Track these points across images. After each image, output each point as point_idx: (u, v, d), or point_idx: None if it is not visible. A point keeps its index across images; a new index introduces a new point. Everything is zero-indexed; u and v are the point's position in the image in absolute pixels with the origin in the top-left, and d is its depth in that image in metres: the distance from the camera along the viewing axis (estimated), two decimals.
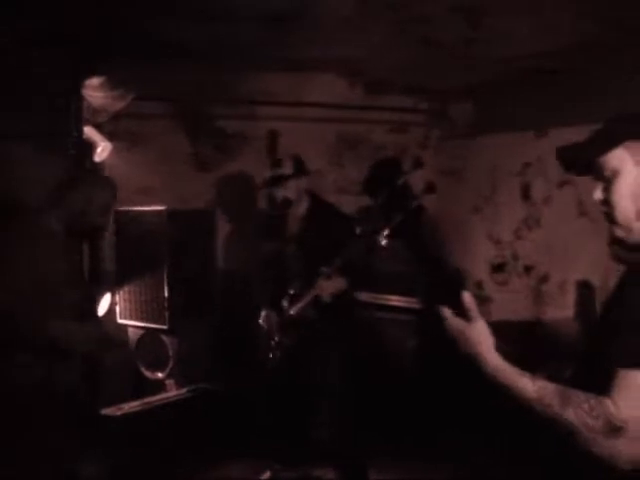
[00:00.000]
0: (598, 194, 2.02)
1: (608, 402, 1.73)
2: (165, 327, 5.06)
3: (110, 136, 5.10)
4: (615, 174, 1.94)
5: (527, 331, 5.85)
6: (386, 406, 5.42)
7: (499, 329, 5.97)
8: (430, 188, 4.91)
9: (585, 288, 5.79)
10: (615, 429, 1.71)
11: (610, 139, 1.96)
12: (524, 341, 5.46)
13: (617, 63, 5.22)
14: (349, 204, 6.50)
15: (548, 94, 5.91)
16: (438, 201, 7.27)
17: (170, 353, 5.13)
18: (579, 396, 1.78)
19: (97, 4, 4.08)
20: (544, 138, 6.26)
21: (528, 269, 6.41)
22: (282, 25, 4.66)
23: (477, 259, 6.89)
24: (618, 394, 1.74)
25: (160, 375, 5.20)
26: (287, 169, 4.87)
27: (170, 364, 5.13)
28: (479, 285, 6.82)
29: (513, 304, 6.38)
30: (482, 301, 6.64)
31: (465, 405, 4.97)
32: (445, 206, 7.25)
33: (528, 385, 1.84)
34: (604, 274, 5.75)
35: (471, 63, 5.59)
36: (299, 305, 4.66)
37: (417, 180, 5.18)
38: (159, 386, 5.15)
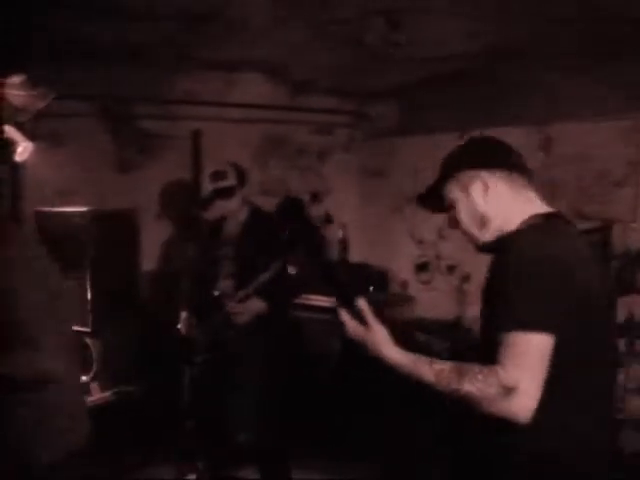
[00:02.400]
0: (451, 224, 2.42)
1: (497, 368, 1.95)
2: (88, 330, 4.98)
3: (31, 136, 4.99)
4: (452, 203, 2.37)
5: (451, 328, 5.97)
6: (310, 406, 5.45)
7: (424, 326, 6.08)
8: (328, 219, 5.08)
9: None
10: (508, 390, 1.91)
11: (440, 177, 2.42)
12: (448, 337, 5.57)
13: (535, 66, 5.35)
14: (272, 206, 6.53)
15: (470, 95, 6.02)
16: (361, 202, 7.35)
17: (94, 356, 5.06)
18: (473, 369, 1.99)
19: (13, 3, 4.02)
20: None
21: (451, 268, 6.52)
22: (202, 25, 4.65)
23: (401, 259, 6.97)
24: (504, 358, 1.96)
25: (84, 378, 5.12)
26: (230, 180, 4.82)
27: (94, 367, 5.06)
28: (404, 285, 6.90)
29: (437, 302, 6.48)
30: (407, 300, 6.73)
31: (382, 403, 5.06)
32: (368, 207, 7.32)
33: (427, 370, 2.07)
34: None
35: (394, 64, 5.66)
36: (214, 323, 4.68)
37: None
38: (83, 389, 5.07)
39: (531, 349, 1.95)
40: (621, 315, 3.88)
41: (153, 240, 6.02)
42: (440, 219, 6.51)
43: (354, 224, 7.16)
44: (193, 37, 4.97)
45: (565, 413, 2.03)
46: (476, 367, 1.99)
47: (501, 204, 2.27)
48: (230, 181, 4.82)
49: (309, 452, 5.26)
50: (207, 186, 4.95)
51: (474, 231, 2.33)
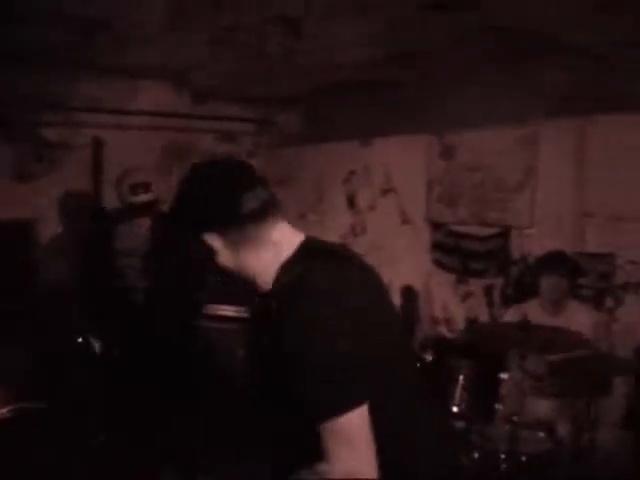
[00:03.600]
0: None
1: (326, 468, 1.79)
2: None
3: None
4: (214, 251, 2.06)
5: None
6: (218, 414, 5.41)
7: None
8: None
9: (408, 292, 6.02)
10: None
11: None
12: None
13: (437, 75, 5.45)
14: None
15: (372, 104, 6.10)
16: None
17: None
18: None
19: None
20: (369, 147, 6.46)
21: None
22: (101, 31, 4.59)
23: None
24: (331, 451, 1.78)
25: None
26: (154, 193, 4.68)
27: None
28: None
29: None
30: None
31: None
32: None
33: None
34: (425, 279, 6.01)
35: (297, 72, 5.68)
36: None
37: None
38: None
39: (352, 431, 1.78)
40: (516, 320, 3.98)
41: (54, 250, 5.87)
42: (344, 227, 6.61)
43: None
44: (92, 43, 4.89)
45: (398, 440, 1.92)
46: (308, 478, 1.83)
47: (250, 255, 2.04)
48: (153, 195, 4.68)
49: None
50: (127, 197, 4.78)
51: (242, 275, 2.10)
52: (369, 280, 2.09)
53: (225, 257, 2.06)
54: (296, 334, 1.84)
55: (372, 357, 1.86)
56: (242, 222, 2.00)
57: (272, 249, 2.06)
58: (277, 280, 2.02)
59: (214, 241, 2.03)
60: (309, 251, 2.07)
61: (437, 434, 2.09)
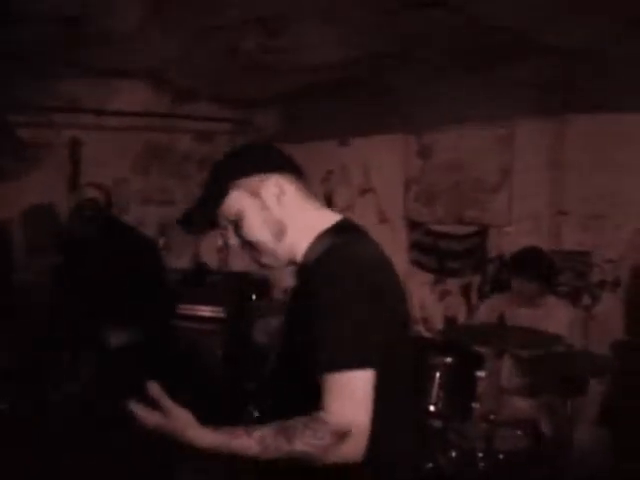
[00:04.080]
0: (234, 240, 2.12)
1: (324, 415, 1.78)
2: None
3: None
4: (240, 214, 2.06)
5: None
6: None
7: None
8: None
9: None
10: (342, 436, 1.77)
11: (218, 189, 2.09)
12: None
13: (413, 74, 5.46)
14: (152, 215, 6.47)
15: (350, 104, 6.10)
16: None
17: None
18: (297, 425, 1.78)
19: None
20: (347, 147, 6.47)
21: None
22: (75, 30, 4.57)
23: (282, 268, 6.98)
24: (329, 402, 1.79)
25: None
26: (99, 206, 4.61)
27: None
28: (286, 292, 6.92)
29: None
30: None
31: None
32: None
33: (247, 442, 1.78)
34: (403, 279, 6.02)
35: (275, 72, 5.68)
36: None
37: None
38: None
39: (356, 388, 1.80)
40: (493, 317, 4.00)
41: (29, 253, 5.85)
42: None
43: None
44: (69, 43, 4.86)
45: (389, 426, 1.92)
46: (299, 423, 1.78)
47: (297, 210, 2.07)
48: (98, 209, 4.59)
49: None
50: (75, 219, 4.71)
51: (268, 242, 2.07)
52: (392, 268, 2.11)
53: (269, 206, 2.05)
54: (323, 294, 1.86)
55: (381, 340, 1.88)
56: (299, 174, 2.15)
57: (314, 213, 2.11)
58: (311, 249, 2.05)
59: (267, 187, 2.06)
60: (345, 228, 2.09)
61: (416, 434, 2.12)
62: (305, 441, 1.76)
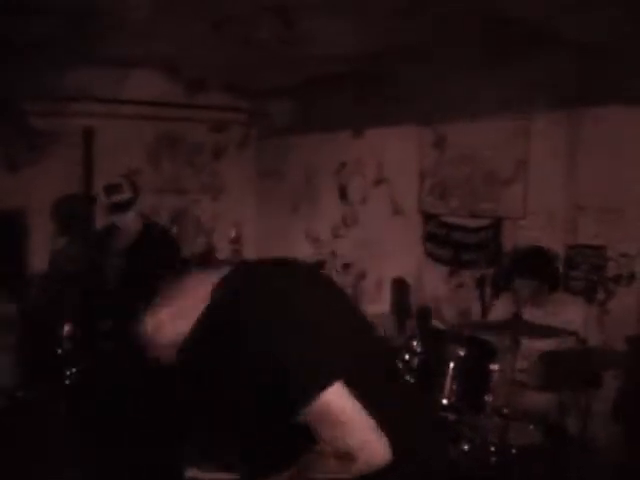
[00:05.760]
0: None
1: (321, 449, 1.79)
2: None
3: None
4: None
5: None
6: None
7: None
8: None
9: (400, 284, 6.00)
10: (364, 455, 1.75)
11: None
12: None
13: (429, 66, 5.43)
14: (166, 204, 6.46)
15: (364, 95, 6.08)
16: (257, 200, 7.34)
17: None
18: (316, 463, 1.81)
19: None
20: (360, 138, 6.44)
21: (347, 266, 6.57)
22: (89, 20, 4.56)
23: (297, 258, 6.97)
24: (325, 433, 1.78)
25: None
26: (126, 192, 4.64)
27: None
28: None
29: None
30: None
31: None
32: (265, 205, 7.31)
33: None
34: (417, 270, 6.00)
35: (289, 63, 5.66)
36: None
37: None
38: None
39: (333, 407, 1.76)
40: (506, 312, 3.97)
41: (44, 241, 5.83)
42: (336, 218, 6.59)
43: (250, 222, 7.14)
44: (83, 32, 4.85)
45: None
46: (317, 460, 1.80)
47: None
48: (126, 194, 4.65)
49: None
50: (101, 199, 4.75)
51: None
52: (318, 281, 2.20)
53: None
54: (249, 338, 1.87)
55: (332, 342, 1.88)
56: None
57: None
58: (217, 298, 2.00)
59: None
60: (243, 269, 2.13)
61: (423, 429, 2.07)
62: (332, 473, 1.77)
